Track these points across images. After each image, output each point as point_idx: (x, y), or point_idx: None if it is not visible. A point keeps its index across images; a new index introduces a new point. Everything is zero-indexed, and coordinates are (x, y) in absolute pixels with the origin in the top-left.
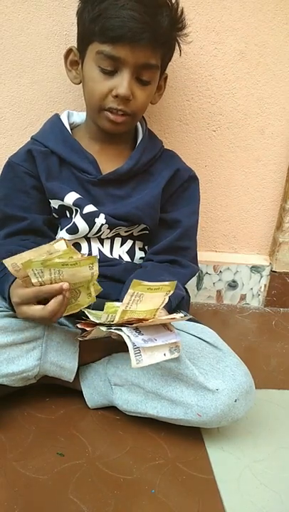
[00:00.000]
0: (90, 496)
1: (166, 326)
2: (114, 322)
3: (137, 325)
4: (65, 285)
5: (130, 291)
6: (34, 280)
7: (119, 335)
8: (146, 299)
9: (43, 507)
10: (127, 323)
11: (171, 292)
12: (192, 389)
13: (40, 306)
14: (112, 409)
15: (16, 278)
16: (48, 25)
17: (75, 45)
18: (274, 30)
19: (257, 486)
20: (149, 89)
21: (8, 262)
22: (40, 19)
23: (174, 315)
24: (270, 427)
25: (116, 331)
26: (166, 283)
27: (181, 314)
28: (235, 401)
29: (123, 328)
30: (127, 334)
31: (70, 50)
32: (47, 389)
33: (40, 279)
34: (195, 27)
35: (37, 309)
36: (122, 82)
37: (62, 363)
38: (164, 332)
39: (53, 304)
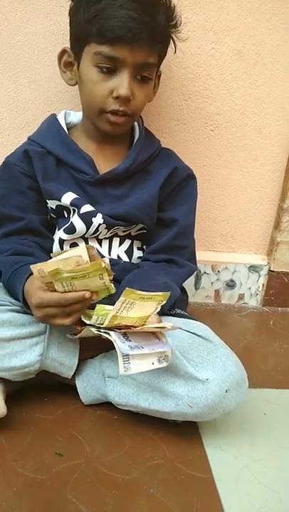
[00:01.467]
0: (88, 495)
1: (155, 335)
2: (104, 326)
3: (125, 331)
4: (87, 294)
5: (122, 298)
6: (60, 289)
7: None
8: (138, 306)
9: (41, 507)
10: (116, 328)
11: (164, 302)
12: (183, 380)
13: None
14: (110, 409)
15: (28, 277)
16: (46, 25)
17: (69, 46)
18: (271, 29)
19: (255, 485)
20: (148, 88)
21: (34, 268)
22: (37, 19)
23: (164, 324)
24: (269, 427)
25: (105, 335)
26: (160, 293)
27: (171, 324)
28: (226, 391)
29: (111, 333)
30: (114, 339)
31: (63, 51)
32: (45, 389)
33: (66, 289)
34: (192, 26)
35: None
36: (122, 83)
37: (63, 359)
38: (153, 340)
39: (76, 316)
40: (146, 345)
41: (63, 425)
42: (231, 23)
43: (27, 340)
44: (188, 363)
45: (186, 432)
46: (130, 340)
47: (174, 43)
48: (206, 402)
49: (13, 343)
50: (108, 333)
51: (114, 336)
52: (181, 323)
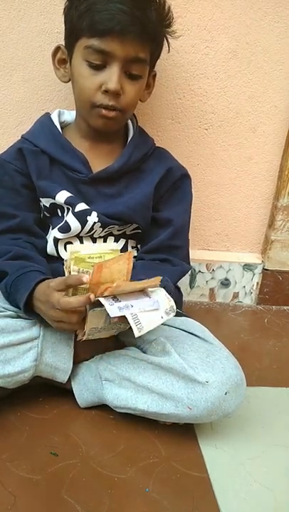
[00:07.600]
0: (84, 495)
1: (144, 292)
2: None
3: (114, 292)
4: (92, 296)
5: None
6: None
7: (121, 317)
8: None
9: (37, 507)
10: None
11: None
12: (182, 382)
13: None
14: (105, 408)
15: (37, 283)
16: (39, 23)
17: (63, 43)
18: (265, 28)
19: (251, 483)
20: (139, 84)
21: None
22: (31, 17)
23: (150, 280)
24: (264, 425)
25: (98, 308)
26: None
27: (155, 278)
28: (226, 394)
29: (101, 299)
30: (104, 303)
31: (57, 48)
32: (40, 389)
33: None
34: (186, 25)
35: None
36: (111, 77)
37: (57, 364)
38: (142, 298)
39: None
40: (135, 304)
41: (58, 425)
42: (225, 21)
43: (20, 347)
44: (188, 365)
45: (181, 430)
46: (120, 301)
47: (168, 42)
48: (205, 405)
49: (6, 350)
50: (100, 305)
51: (103, 301)
52: (178, 323)
